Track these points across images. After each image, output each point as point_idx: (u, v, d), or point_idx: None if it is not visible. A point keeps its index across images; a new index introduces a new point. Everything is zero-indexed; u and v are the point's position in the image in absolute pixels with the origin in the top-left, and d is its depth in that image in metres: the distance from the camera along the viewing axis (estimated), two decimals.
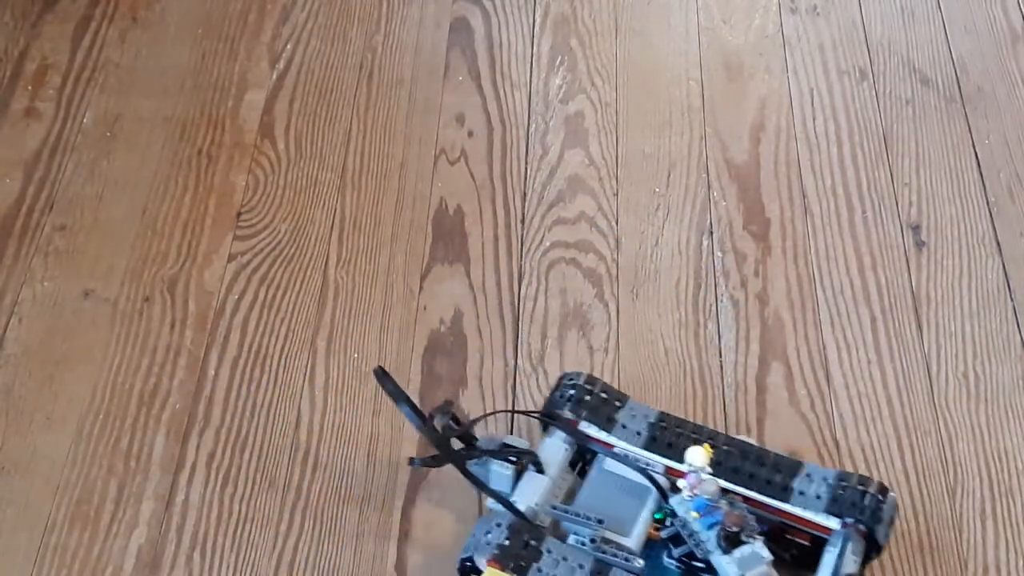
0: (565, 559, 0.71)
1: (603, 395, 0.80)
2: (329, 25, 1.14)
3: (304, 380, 0.90)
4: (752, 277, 0.96)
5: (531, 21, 1.15)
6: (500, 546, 0.71)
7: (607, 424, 0.78)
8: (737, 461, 0.76)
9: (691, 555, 0.73)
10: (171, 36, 1.12)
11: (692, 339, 0.93)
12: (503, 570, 0.70)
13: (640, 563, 0.72)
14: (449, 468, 0.75)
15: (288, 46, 1.12)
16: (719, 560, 0.71)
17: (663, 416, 0.79)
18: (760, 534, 0.72)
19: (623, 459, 0.76)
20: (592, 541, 0.72)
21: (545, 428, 0.81)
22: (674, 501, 0.73)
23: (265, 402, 0.88)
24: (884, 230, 1.00)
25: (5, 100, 1.06)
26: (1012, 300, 0.95)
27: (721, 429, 0.87)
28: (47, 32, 1.12)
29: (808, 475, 0.76)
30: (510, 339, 0.92)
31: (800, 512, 0.75)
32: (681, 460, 0.74)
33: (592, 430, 0.78)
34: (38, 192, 1.00)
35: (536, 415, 0.82)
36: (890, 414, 0.89)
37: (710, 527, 0.72)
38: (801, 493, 0.75)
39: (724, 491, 0.74)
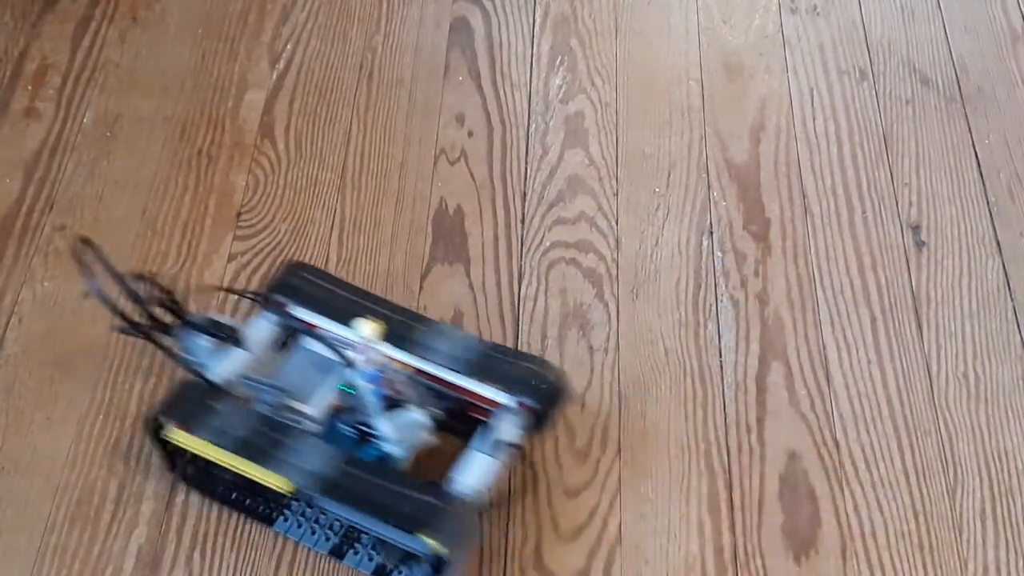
0: (240, 418, 0.77)
1: (316, 280, 0.85)
2: (329, 25, 1.14)
3: None
4: (752, 277, 0.96)
5: (531, 21, 1.15)
6: (181, 408, 0.78)
7: (313, 306, 0.84)
8: (424, 337, 0.82)
9: (363, 421, 0.79)
10: (171, 36, 1.12)
11: (692, 339, 0.93)
12: (187, 431, 0.77)
13: (315, 425, 0.78)
14: None
15: (288, 46, 1.12)
16: (379, 422, 0.77)
17: (367, 295, 0.85)
18: (446, 411, 0.79)
19: (316, 336, 0.80)
20: (273, 406, 0.78)
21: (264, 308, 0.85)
22: (353, 373, 0.77)
23: None
24: (884, 230, 1.00)
25: (5, 100, 1.07)
26: (1012, 300, 0.95)
27: (721, 429, 0.88)
28: (47, 32, 1.12)
29: (488, 354, 0.82)
30: (510, 339, 0.92)
31: (476, 388, 0.80)
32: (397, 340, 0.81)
33: (299, 312, 0.83)
34: (38, 192, 1.00)
35: (243, 293, 0.89)
36: (890, 414, 0.89)
37: (378, 393, 0.77)
38: (480, 369, 0.80)
39: (417, 371, 0.80)
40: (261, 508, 0.81)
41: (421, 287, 0.95)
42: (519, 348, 0.90)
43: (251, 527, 0.82)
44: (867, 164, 1.04)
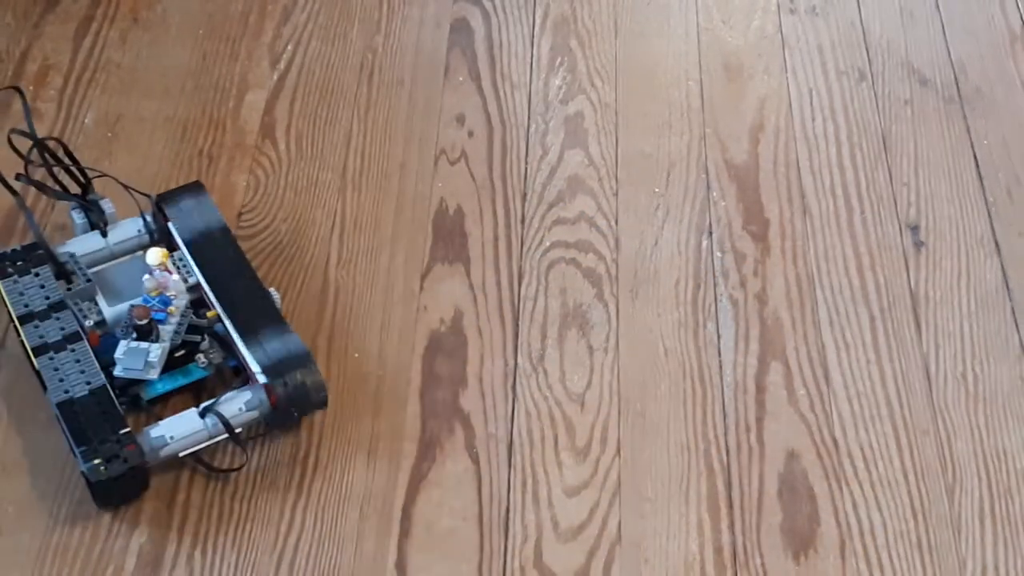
0: (42, 286, 0.84)
1: (208, 213, 0.91)
2: (329, 26, 1.14)
3: None
4: (751, 277, 0.97)
5: (531, 21, 1.15)
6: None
7: (185, 235, 0.89)
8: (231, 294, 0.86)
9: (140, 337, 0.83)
10: (172, 37, 1.13)
11: (692, 339, 0.93)
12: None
13: (95, 319, 0.84)
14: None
15: (289, 47, 1.12)
16: (120, 342, 0.82)
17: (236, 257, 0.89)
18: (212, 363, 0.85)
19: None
20: (69, 290, 0.85)
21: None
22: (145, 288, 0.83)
23: None
24: (883, 230, 1.00)
25: (6, 100, 1.07)
26: (1010, 300, 0.96)
27: (721, 429, 0.88)
28: (48, 32, 1.12)
29: (279, 335, 0.85)
30: (510, 339, 0.93)
31: (247, 354, 0.84)
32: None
33: (174, 230, 0.89)
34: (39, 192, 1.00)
35: (135, 190, 0.92)
36: (889, 414, 0.89)
37: (126, 326, 0.83)
38: (259, 343, 0.84)
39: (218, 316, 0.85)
40: None
41: (421, 287, 0.95)
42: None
43: (252, 526, 0.82)
44: (866, 164, 1.04)
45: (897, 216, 1.01)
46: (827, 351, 0.92)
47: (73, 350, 0.83)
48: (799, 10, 1.17)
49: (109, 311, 0.85)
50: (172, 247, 0.88)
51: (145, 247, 0.88)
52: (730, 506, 0.84)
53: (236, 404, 0.82)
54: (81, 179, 0.89)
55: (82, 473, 0.80)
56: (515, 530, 0.83)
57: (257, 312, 0.86)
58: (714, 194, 1.02)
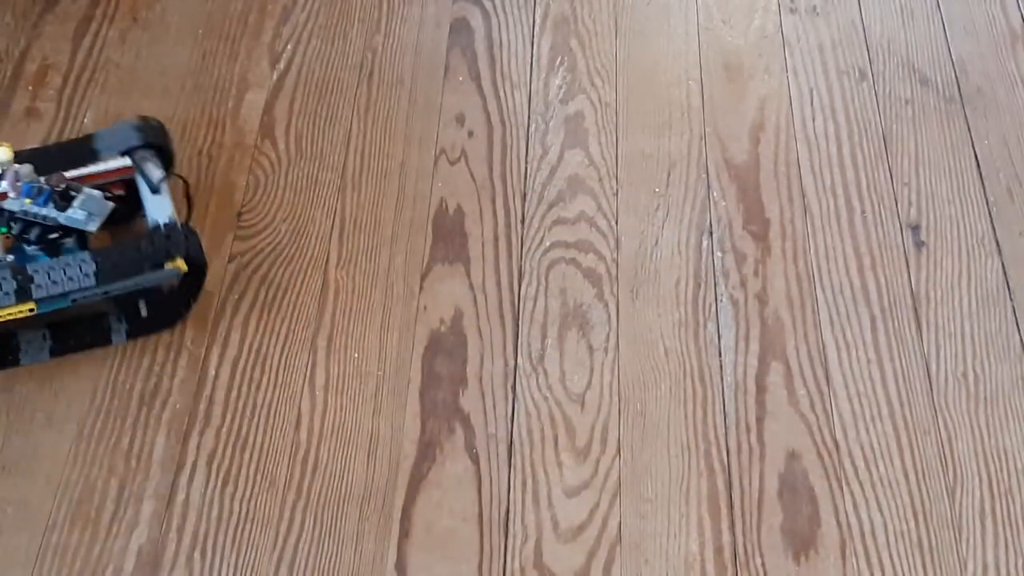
0: None
1: None
2: (329, 25, 1.14)
3: (304, 380, 0.90)
4: (752, 277, 0.97)
5: (531, 21, 1.15)
6: None
7: None
8: (43, 156, 0.89)
9: (45, 232, 0.86)
10: (172, 36, 1.13)
11: (692, 339, 0.93)
12: None
13: (9, 259, 0.85)
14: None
15: (288, 46, 1.12)
16: (67, 217, 0.86)
17: None
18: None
19: None
20: None
21: None
22: (7, 204, 0.84)
23: (265, 402, 0.88)
24: (883, 230, 1.00)
25: (6, 100, 1.07)
26: (1011, 300, 0.95)
27: (721, 429, 0.88)
28: (48, 32, 1.12)
29: (100, 136, 0.91)
30: (510, 339, 0.92)
31: (102, 167, 0.88)
32: None
33: None
34: None
35: None
36: (890, 414, 0.89)
37: (45, 201, 0.85)
38: (99, 152, 0.89)
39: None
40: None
41: (421, 287, 0.95)
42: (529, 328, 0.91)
43: (251, 527, 0.82)
44: (866, 164, 1.04)
45: (898, 216, 1.01)
46: (827, 351, 0.92)
47: (41, 267, 0.83)
48: (799, 9, 1.17)
49: None
50: None
51: None
52: (730, 506, 0.84)
53: (152, 172, 0.88)
54: None
55: (160, 289, 0.86)
56: (515, 530, 0.83)
57: (71, 148, 0.91)
58: (714, 194, 1.02)
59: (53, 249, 0.87)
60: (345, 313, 0.94)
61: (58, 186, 0.85)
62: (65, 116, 1.06)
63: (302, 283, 0.95)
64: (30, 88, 1.08)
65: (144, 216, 0.89)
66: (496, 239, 0.99)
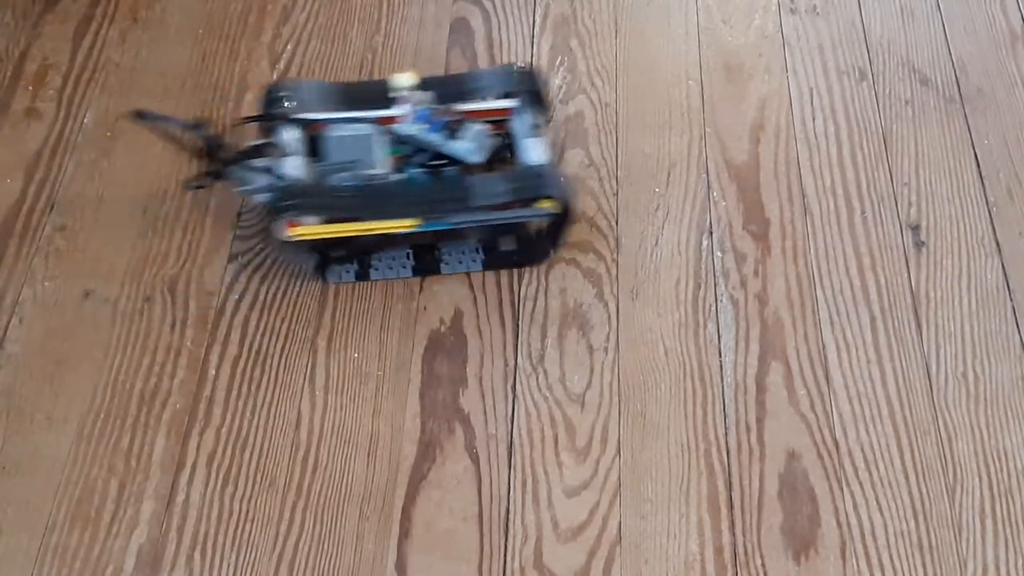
0: (340, 195, 0.88)
1: (299, 88, 0.94)
2: (329, 25, 1.14)
3: (304, 380, 0.90)
4: (752, 277, 0.97)
5: (531, 21, 1.15)
6: (291, 206, 0.86)
7: (313, 107, 0.93)
8: (435, 85, 0.95)
9: (431, 158, 0.92)
10: (172, 36, 1.13)
11: (692, 339, 0.93)
12: (302, 225, 0.87)
13: (394, 177, 0.90)
14: None
15: (288, 46, 1.12)
16: (454, 147, 0.92)
17: (349, 85, 0.97)
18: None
19: (347, 121, 0.92)
20: (349, 182, 0.89)
21: (269, 132, 0.93)
22: (401, 128, 0.92)
23: (265, 402, 0.88)
24: (883, 230, 1.00)
25: (6, 100, 1.07)
26: (1011, 300, 0.95)
27: (721, 429, 0.88)
28: (48, 32, 1.12)
29: (481, 75, 0.97)
30: (510, 339, 0.92)
31: (487, 105, 0.94)
32: (381, 106, 0.93)
33: (306, 115, 0.93)
34: (39, 192, 1.00)
35: (260, 117, 0.94)
36: (890, 414, 0.89)
37: (436, 129, 0.91)
38: (482, 90, 0.95)
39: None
40: (420, 261, 0.95)
41: (421, 287, 0.95)
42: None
43: (252, 527, 0.82)
44: (867, 164, 1.04)
45: (898, 216, 1.01)
46: (828, 351, 0.92)
47: (429, 190, 0.90)
48: (799, 10, 1.17)
49: (381, 169, 0.91)
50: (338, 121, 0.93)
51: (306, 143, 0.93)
52: (730, 506, 0.84)
53: (529, 116, 0.94)
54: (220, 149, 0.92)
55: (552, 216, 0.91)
56: (515, 530, 0.83)
57: (456, 82, 0.97)
58: (714, 194, 1.02)
59: (435, 175, 0.92)
60: (345, 313, 0.94)
61: (450, 117, 0.91)
62: (65, 116, 1.06)
63: (302, 283, 0.95)
64: (30, 88, 1.08)
65: (515, 158, 0.93)
66: None
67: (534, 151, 0.92)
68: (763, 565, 0.81)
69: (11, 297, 0.94)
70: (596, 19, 1.15)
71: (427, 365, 0.91)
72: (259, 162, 0.90)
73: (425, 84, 0.94)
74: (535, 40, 1.14)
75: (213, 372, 0.90)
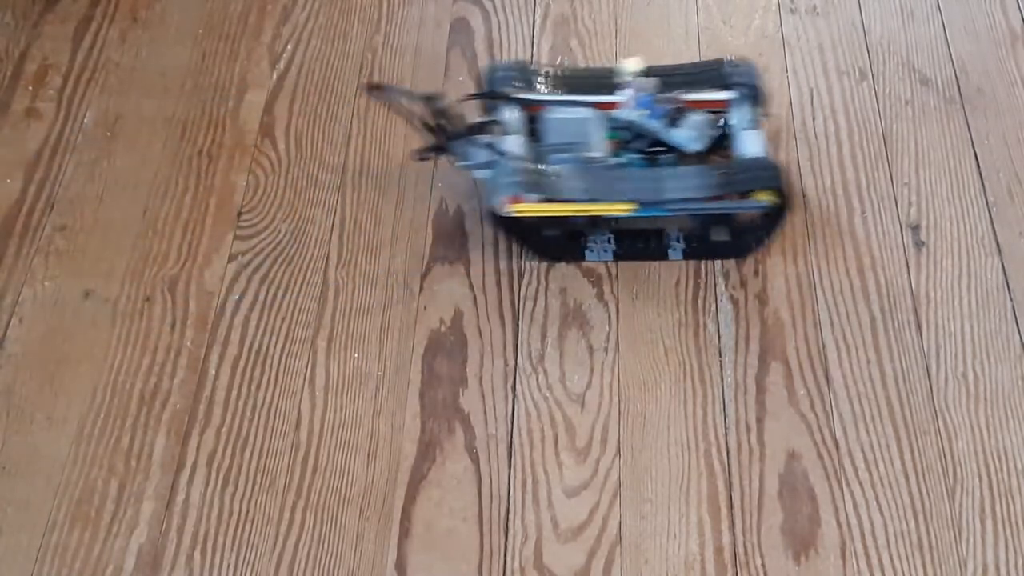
0: (559, 175, 0.90)
1: (523, 69, 0.97)
2: (329, 25, 1.14)
3: (304, 380, 0.90)
4: (752, 277, 0.96)
5: (531, 21, 1.15)
6: (513, 183, 0.89)
7: (538, 88, 0.96)
8: (658, 72, 0.96)
9: (650, 145, 0.94)
10: (172, 36, 1.13)
11: (692, 339, 0.93)
12: (521, 202, 0.89)
13: (612, 161, 0.93)
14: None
15: (288, 46, 1.12)
16: (675, 135, 0.92)
17: (571, 70, 0.99)
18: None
19: (568, 104, 0.94)
20: (567, 164, 0.91)
21: (490, 110, 0.96)
22: (622, 113, 0.93)
23: (265, 402, 0.88)
24: (883, 230, 1.00)
25: (6, 100, 1.07)
26: (1011, 300, 0.95)
27: (721, 429, 0.88)
28: (48, 32, 1.12)
29: (698, 66, 0.98)
30: (510, 339, 0.92)
31: (707, 96, 0.95)
32: (602, 91, 0.94)
33: (530, 95, 0.95)
34: (39, 192, 1.00)
35: (479, 96, 0.97)
36: (889, 414, 0.89)
37: (657, 116, 0.92)
38: (698, 81, 0.96)
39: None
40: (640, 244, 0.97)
41: (421, 287, 0.95)
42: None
43: (252, 527, 0.82)
44: (867, 164, 1.04)
45: (898, 216, 1.01)
46: (827, 351, 0.92)
47: (644, 176, 0.92)
48: (799, 9, 1.17)
49: (599, 152, 0.93)
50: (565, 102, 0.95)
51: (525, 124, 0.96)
52: (730, 506, 0.84)
53: (746, 109, 0.94)
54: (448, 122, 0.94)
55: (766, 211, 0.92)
56: (515, 530, 0.83)
57: (687, 72, 0.98)
58: None
59: (651, 162, 0.94)
60: (345, 313, 0.94)
61: (672, 105, 0.92)
62: (65, 116, 1.06)
63: (302, 283, 0.95)
64: (30, 88, 1.08)
65: (731, 149, 0.94)
66: (496, 239, 0.98)
67: (752, 143, 0.93)
68: (763, 565, 0.81)
69: (11, 297, 0.94)
70: (596, 19, 1.15)
71: (427, 365, 0.91)
72: (482, 138, 0.92)
73: (646, 72, 0.95)
74: (535, 40, 1.14)
75: (213, 372, 0.90)
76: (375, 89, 0.95)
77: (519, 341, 0.92)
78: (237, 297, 0.94)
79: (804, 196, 1.02)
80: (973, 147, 1.06)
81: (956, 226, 1.00)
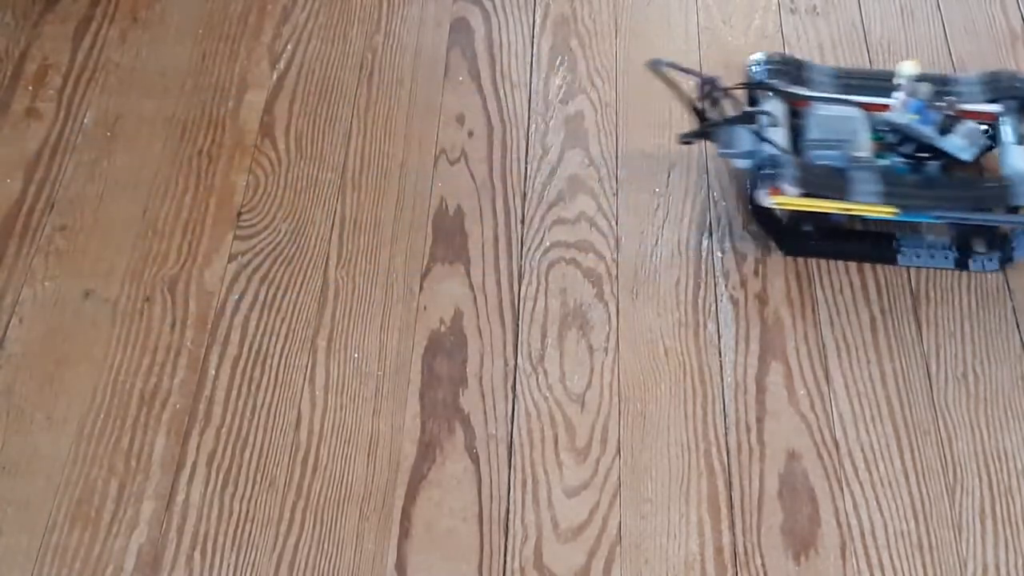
0: (816, 175, 0.91)
1: (790, 63, 1.00)
2: (329, 25, 1.14)
3: (304, 380, 0.90)
4: (752, 277, 0.96)
5: (531, 21, 1.15)
6: (777, 174, 0.91)
7: (805, 84, 0.98)
8: (932, 79, 0.96)
9: (917, 149, 0.94)
10: (172, 36, 1.13)
11: (692, 339, 0.93)
12: (784, 194, 0.91)
13: (879, 163, 0.93)
14: None
15: (288, 46, 1.12)
16: (946, 142, 0.93)
17: (839, 69, 1.01)
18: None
19: (837, 101, 0.96)
20: (834, 160, 0.92)
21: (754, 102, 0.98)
22: (891, 116, 0.94)
23: (265, 402, 0.88)
24: None
25: (6, 100, 1.07)
26: (1011, 300, 0.95)
27: (721, 429, 0.88)
28: (48, 32, 1.12)
29: (971, 77, 0.98)
30: (510, 339, 0.92)
31: (976, 107, 0.95)
32: (878, 94, 0.96)
33: (801, 90, 0.97)
34: (39, 192, 1.00)
35: (751, 85, 0.99)
36: (889, 414, 0.89)
37: (929, 122, 0.92)
38: (969, 91, 0.97)
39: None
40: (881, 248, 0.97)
41: (421, 287, 0.95)
42: (531, 343, 0.92)
43: (251, 527, 0.82)
44: None
45: None
46: (827, 351, 0.92)
47: (907, 182, 0.93)
48: (800, 9, 1.17)
49: (864, 152, 0.93)
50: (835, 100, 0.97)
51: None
52: (730, 506, 0.84)
53: (1014, 125, 0.94)
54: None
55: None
56: (515, 530, 0.83)
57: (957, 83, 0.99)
58: (714, 194, 1.02)
59: (915, 167, 0.94)
60: (345, 313, 0.94)
61: (949, 111, 0.92)
62: (65, 116, 1.06)
63: (302, 283, 0.95)
64: (30, 88, 1.08)
65: (1000, 162, 0.94)
66: (496, 239, 0.99)
67: (1020, 158, 0.92)
68: (763, 565, 0.81)
69: (11, 297, 0.94)
70: (596, 19, 1.15)
71: (427, 365, 0.91)
72: (748, 128, 0.94)
73: (931, 78, 0.96)
74: (535, 40, 1.14)
75: (213, 372, 0.90)
76: (659, 64, 0.95)
77: (519, 341, 0.92)
78: (237, 297, 0.94)
79: None
80: None
81: None
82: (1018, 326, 0.94)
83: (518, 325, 0.93)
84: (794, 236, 0.97)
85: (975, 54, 1.13)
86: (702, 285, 0.96)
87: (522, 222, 1.00)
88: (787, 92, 0.97)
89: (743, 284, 0.96)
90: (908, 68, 0.94)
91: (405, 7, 1.16)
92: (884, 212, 0.91)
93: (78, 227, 0.98)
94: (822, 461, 0.86)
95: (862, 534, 0.83)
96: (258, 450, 0.86)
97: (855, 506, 0.84)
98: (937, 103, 0.93)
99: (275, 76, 1.10)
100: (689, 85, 0.99)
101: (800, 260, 0.97)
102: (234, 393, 0.89)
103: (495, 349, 0.92)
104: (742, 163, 0.96)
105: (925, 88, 0.93)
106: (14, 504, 0.83)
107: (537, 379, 0.90)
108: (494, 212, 1.00)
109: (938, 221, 0.93)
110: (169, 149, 1.04)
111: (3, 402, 0.88)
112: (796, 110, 0.97)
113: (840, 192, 0.90)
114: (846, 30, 1.15)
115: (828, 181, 0.91)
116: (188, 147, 1.04)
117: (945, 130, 0.93)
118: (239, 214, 0.99)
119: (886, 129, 0.95)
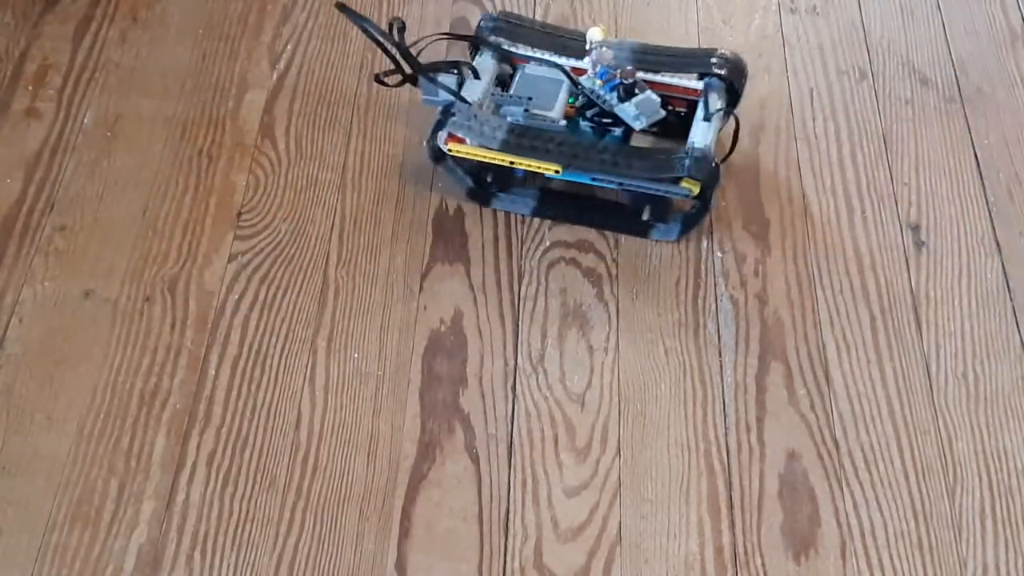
0: (498, 124, 0.93)
1: (512, 22, 1.01)
2: (329, 25, 1.14)
3: (304, 380, 0.90)
4: (752, 277, 0.97)
5: None
6: (453, 123, 0.93)
7: (519, 41, 1.00)
8: (639, 50, 0.98)
9: (601, 115, 0.96)
10: (172, 36, 1.13)
11: (692, 338, 0.93)
12: (459, 142, 0.93)
13: (561, 124, 0.95)
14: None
15: (288, 46, 1.12)
16: (621, 108, 0.94)
17: (552, 26, 1.03)
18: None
19: (542, 62, 0.98)
20: (525, 111, 0.94)
21: (473, 55, 1.01)
22: (583, 80, 0.96)
23: (265, 402, 0.88)
24: (883, 230, 1.00)
25: (6, 100, 1.07)
26: (1011, 300, 0.95)
27: (721, 429, 0.88)
28: (48, 32, 1.12)
29: (689, 52, 0.99)
30: (510, 339, 0.92)
31: (671, 80, 0.97)
32: (578, 56, 0.98)
33: (511, 47, 1.00)
34: (39, 192, 1.00)
35: (465, 37, 1.03)
36: (889, 414, 0.89)
37: (611, 88, 0.94)
38: (681, 65, 0.98)
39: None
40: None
41: (421, 287, 0.95)
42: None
43: (251, 527, 0.82)
44: (867, 164, 1.04)
45: (898, 216, 1.01)
46: (827, 351, 0.92)
47: (584, 144, 0.94)
48: (799, 9, 1.17)
49: (555, 113, 0.96)
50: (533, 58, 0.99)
51: (500, 81, 1.00)
52: (730, 506, 0.84)
53: (714, 102, 0.95)
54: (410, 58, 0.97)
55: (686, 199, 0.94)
56: (515, 530, 0.83)
57: (659, 52, 1.00)
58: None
59: (601, 132, 0.96)
60: (345, 313, 0.94)
61: (626, 79, 0.94)
62: (65, 116, 1.06)
63: (302, 283, 0.95)
64: (30, 88, 1.08)
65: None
66: (496, 239, 0.99)
67: (701, 134, 0.93)
68: (763, 565, 0.81)
69: (11, 297, 0.94)
70: (596, 19, 1.15)
71: (427, 365, 0.91)
72: (447, 77, 0.96)
73: (631, 48, 0.98)
74: None
75: (213, 372, 0.90)
76: (343, 9, 0.96)
77: (519, 341, 0.92)
78: (237, 297, 0.94)
79: (804, 196, 1.02)
80: (973, 147, 1.06)
81: (956, 226, 1.00)
82: (1018, 326, 0.94)
83: (518, 325, 0.93)
84: (479, 186, 1.00)
85: (975, 54, 1.13)
86: (702, 285, 0.96)
87: (522, 222, 1.00)
88: (503, 49, 0.99)
89: (743, 284, 0.96)
90: (595, 34, 0.96)
91: (405, 7, 1.16)
92: (548, 169, 0.92)
93: (78, 227, 0.98)
94: (822, 461, 0.86)
95: (862, 534, 0.83)
96: (258, 450, 0.86)
97: (855, 506, 0.84)
98: (622, 69, 0.94)
99: (275, 76, 1.10)
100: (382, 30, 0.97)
101: (800, 260, 0.97)
102: (234, 393, 0.89)
103: (495, 349, 0.92)
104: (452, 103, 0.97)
105: (609, 55, 0.95)
106: (14, 504, 0.83)
107: (537, 379, 0.90)
108: (494, 212, 1.00)
109: (599, 184, 0.95)
110: (169, 149, 1.04)
111: (3, 402, 0.88)
112: (516, 68, 1.00)
113: (508, 147, 0.92)
114: (846, 30, 1.15)
115: (498, 135, 0.92)
116: (188, 147, 1.04)
117: (623, 97, 0.94)
118: (239, 214, 0.99)
119: (579, 94, 0.97)
